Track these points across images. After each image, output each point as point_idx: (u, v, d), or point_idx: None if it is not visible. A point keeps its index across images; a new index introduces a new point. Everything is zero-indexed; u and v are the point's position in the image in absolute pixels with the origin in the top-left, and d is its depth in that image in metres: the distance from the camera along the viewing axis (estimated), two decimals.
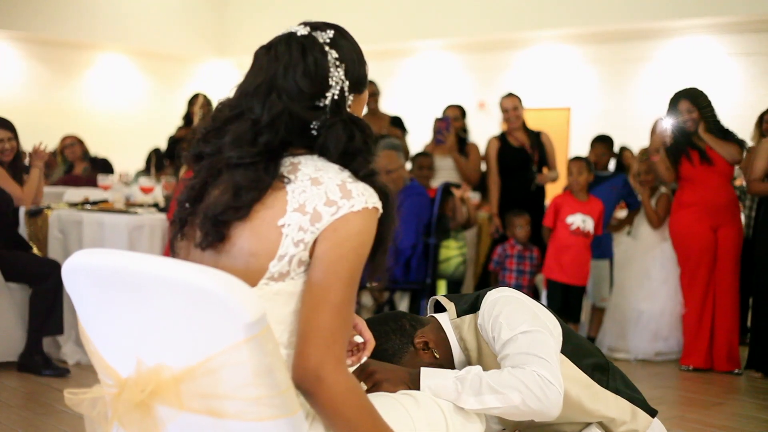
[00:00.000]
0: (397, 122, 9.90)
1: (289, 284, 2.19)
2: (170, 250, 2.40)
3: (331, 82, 2.30)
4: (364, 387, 2.70)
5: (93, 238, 6.70)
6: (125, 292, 2.14)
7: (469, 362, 3.07)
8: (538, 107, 16.48)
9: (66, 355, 6.57)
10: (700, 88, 7.70)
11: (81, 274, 2.23)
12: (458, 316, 3.05)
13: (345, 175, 2.23)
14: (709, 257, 7.61)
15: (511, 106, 8.60)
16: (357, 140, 2.29)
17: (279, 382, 2.07)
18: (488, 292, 3.03)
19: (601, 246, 8.20)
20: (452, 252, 7.59)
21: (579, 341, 3.10)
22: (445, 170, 8.67)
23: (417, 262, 7.20)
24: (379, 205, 2.23)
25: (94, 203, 7.48)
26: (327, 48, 2.31)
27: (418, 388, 2.69)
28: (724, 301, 7.64)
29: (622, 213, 8.86)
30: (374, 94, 9.47)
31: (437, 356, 3.02)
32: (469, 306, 3.04)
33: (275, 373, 2.06)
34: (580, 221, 7.66)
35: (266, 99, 2.26)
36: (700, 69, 14.85)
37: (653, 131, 8.61)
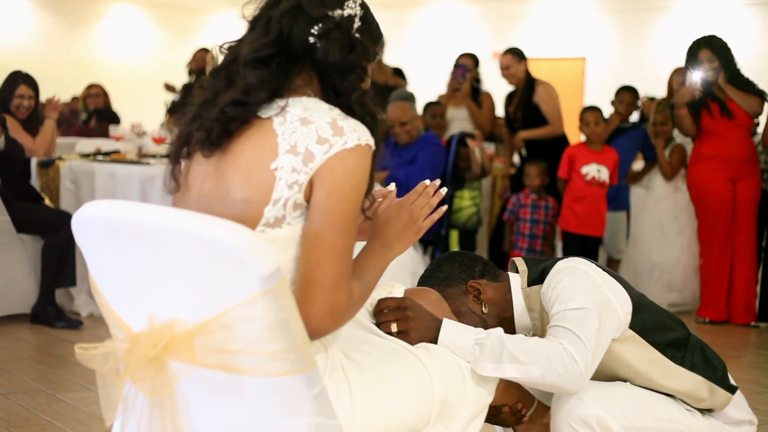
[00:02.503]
0: (398, 73, 9.77)
1: (287, 230, 2.12)
2: (171, 165, 2.30)
3: (347, 6, 2.26)
4: (394, 328, 2.60)
5: (105, 189, 6.66)
6: (137, 244, 2.09)
7: (534, 331, 2.99)
8: (553, 57, 16.37)
9: (79, 306, 6.56)
10: (719, 36, 7.57)
11: (91, 226, 2.17)
12: (528, 285, 2.96)
13: (335, 113, 2.16)
14: (727, 210, 7.53)
15: (503, 64, 8.35)
16: (355, 54, 2.24)
17: (294, 336, 2.02)
18: (558, 261, 2.93)
19: (618, 197, 8.12)
20: (465, 202, 7.52)
21: (654, 316, 2.96)
22: (459, 120, 8.57)
23: None
24: (372, 141, 2.15)
25: (106, 154, 7.43)
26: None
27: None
28: (742, 254, 7.58)
29: (639, 164, 8.78)
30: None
31: (485, 311, 2.95)
32: (539, 275, 2.94)
33: (291, 327, 2.01)
34: (596, 171, 7.58)
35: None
36: (716, 19, 14.71)
37: (670, 83, 8.52)
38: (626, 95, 8.59)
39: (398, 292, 2.79)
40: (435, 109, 8.25)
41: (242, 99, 2.15)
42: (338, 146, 2.09)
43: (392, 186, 2.56)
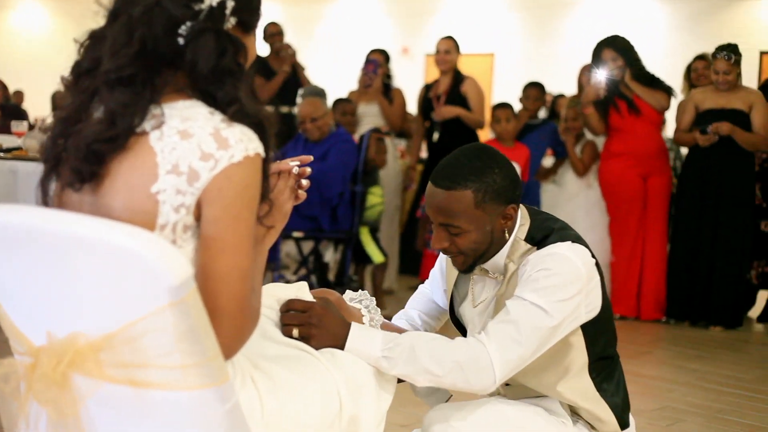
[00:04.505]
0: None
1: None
2: (42, 193, 2.08)
3: None
4: (296, 334, 2.50)
5: (6, 187, 6.45)
6: (37, 252, 1.95)
7: (502, 275, 2.84)
8: (461, 53, 16.38)
9: None
10: (622, 35, 7.71)
11: None
12: (525, 239, 2.79)
13: (217, 120, 1.96)
14: (638, 205, 7.65)
15: (443, 48, 8.40)
16: (228, 58, 2.00)
17: (206, 349, 1.91)
18: (561, 237, 2.75)
19: (528, 195, 8.13)
20: (376, 199, 7.43)
21: (605, 328, 2.89)
22: (371, 116, 8.50)
23: (343, 210, 7.03)
24: (261, 149, 1.97)
25: (7, 151, 7.20)
26: None
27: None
28: (652, 250, 7.69)
29: (549, 161, 8.82)
30: (279, 34, 9.14)
31: (506, 236, 2.78)
32: (540, 238, 2.77)
33: (202, 339, 1.90)
34: None
35: None
36: (625, 14, 14.87)
37: (580, 80, 8.63)
38: (532, 91, 8.65)
39: (305, 293, 2.65)
40: (344, 106, 8.15)
41: (109, 131, 1.94)
42: (224, 161, 1.92)
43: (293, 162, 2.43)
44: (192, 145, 1.92)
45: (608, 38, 7.69)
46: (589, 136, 8.17)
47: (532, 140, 8.20)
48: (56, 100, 8.10)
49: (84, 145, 1.95)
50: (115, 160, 1.96)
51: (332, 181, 6.85)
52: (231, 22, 2.05)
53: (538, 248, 2.74)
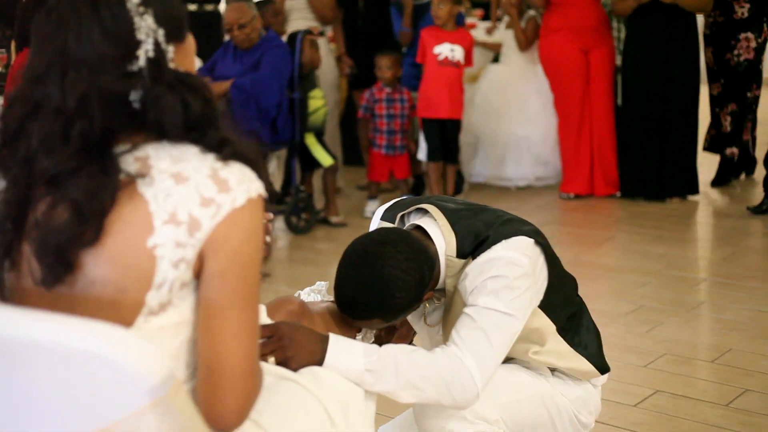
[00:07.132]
0: None
1: (174, 314, 1.71)
2: None
3: (140, 36, 1.70)
4: (272, 362, 2.29)
5: None
6: None
7: (444, 297, 2.76)
8: None
9: None
10: None
11: None
12: (457, 256, 2.65)
13: (210, 159, 1.71)
14: (581, 79, 7.51)
15: None
16: (194, 107, 1.72)
17: None
18: (495, 245, 2.61)
19: None
20: (319, 102, 7.07)
21: (564, 286, 2.83)
22: (298, 11, 8.02)
23: (283, 120, 6.67)
24: (261, 188, 1.73)
25: None
26: None
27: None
28: (600, 124, 7.56)
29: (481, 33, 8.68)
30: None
31: (427, 306, 2.78)
32: (472, 247, 2.64)
33: None
34: (448, 50, 7.34)
35: (63, 79, 1.67)
36: None
37: None
38: None
39: (263, 314, 2.47)
40: (273, 7, 7.71)
41: (78, 229, 1.64)
42: (227, 206, 1.67)
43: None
44: (189, 189, 1.67)
45: None
46: (531, 12, 7.97)
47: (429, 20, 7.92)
48: None
49: (54, 244, 1.65)
50: None
51: (268, 91, 6.46)
52: (170, 50, 1.76)
53: (474, 258, 2.64)
